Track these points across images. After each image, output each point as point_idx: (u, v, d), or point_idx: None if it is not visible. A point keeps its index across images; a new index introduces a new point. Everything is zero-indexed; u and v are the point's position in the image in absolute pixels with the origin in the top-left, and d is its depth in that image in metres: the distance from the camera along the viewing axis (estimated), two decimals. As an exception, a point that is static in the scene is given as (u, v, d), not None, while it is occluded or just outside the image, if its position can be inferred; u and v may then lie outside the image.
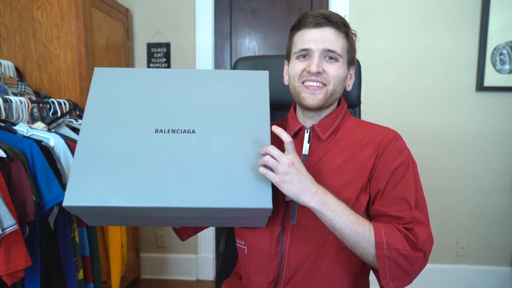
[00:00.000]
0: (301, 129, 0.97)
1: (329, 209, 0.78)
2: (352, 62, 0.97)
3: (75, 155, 0.84)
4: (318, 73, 0.89)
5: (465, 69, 2.22)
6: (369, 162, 0.89)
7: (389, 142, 0.90)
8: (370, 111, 1.92)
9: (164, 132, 0.86)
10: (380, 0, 2.23)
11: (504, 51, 2.17)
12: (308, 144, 0.95)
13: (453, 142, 2.27)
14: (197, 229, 1.06)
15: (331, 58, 0.90)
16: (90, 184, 0.80)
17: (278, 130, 0.81)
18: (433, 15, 2.20)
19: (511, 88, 2.20)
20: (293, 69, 0.93)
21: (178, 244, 2.50)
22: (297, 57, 0.93)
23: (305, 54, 0.91)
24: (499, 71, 2.19)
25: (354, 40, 0.96)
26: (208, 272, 2.49)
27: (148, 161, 0.82)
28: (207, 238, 2.48)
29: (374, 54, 2.22)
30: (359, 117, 1.22)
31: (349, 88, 0.99)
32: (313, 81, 0.90)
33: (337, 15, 0.91)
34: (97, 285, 1.57)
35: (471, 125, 2.25)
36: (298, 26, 0.93)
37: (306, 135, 0.96)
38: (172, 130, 0.86)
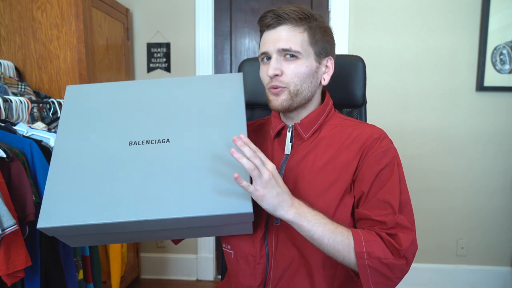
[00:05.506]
0: (284, 128, 0.95)
1: (305, 220, 0.76)
2: (325, 53, 0.90)
3: (48, 175, 0.81)
4: (275, 76, 0.87)
5: (465, 69, 2.22)
6: (353, 163, 0.86)
7: (374, 141, 0.87)
8: (369, 111, 1.90)
9: (138, 144, 0.85)
10: (380, 0, 2.23)
11: (504, 51, 2.17)
12: (290, 144, 0.93)
13: (453, 142, 2.27)
14: None
15: (292, 56, 0.86)
16: (65, 203, 0.77)
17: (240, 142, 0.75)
18: (433, 15, 2.20)
19: (511, 88, 2.20)
20: (261, 74, 0.92)
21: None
22: (262, 60, 0.92)
23: (267, 56, 0.89)
24: (499, 71, 2.19)
25: (326, 28, 0.90)
26: (208, 272, 2.49)
27: (123, 175, 0.81)
28: (207, 238, 2.48)
29: (374, 54, 2.21)
30: (365, 118, 1.18)
31: (324, 82, 0.93)
32: (274, 87, 0.88)
33: (292, 10, 0.85)
34: (97, 285, 1.57)
35: (471, 125, 2.25)
36: (259, 28, 0.92)
37: (288, 134, 0.93)
38: (146, 141, 0.85)
